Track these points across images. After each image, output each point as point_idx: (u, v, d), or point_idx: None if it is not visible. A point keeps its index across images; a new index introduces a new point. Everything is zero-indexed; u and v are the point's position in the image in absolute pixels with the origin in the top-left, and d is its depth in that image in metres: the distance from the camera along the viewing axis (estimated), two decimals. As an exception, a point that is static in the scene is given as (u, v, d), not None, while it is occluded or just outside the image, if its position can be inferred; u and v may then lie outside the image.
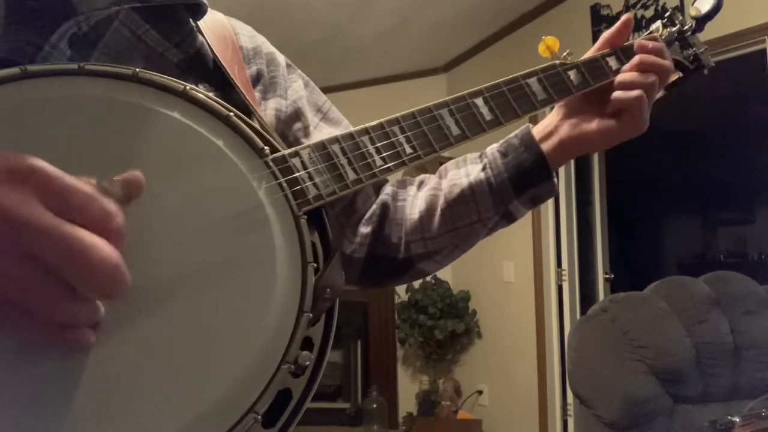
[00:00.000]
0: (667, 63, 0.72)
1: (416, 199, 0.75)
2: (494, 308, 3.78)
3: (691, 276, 2.23)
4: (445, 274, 3.95)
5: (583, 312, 2.93)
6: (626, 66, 0.72)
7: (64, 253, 0.35)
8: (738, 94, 3.36)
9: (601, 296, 3.46)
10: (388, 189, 0.77)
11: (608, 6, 3.15)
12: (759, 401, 1.45)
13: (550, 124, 0.72)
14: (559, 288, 3.43)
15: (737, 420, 1.41)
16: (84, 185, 0.37)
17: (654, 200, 5.56)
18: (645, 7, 2.96)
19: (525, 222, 3.49)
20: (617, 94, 0.70)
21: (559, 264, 3.45)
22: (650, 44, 0.73)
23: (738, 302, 2.10)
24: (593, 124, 0.70)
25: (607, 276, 3.55)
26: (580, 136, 0.70)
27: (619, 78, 0.71)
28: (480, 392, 3.82)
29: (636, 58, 0.71)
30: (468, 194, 0.71)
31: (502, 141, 0.73)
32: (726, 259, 5.32)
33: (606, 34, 0.75)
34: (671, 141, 4.58)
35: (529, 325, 3.49)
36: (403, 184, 0.78)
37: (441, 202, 0.72)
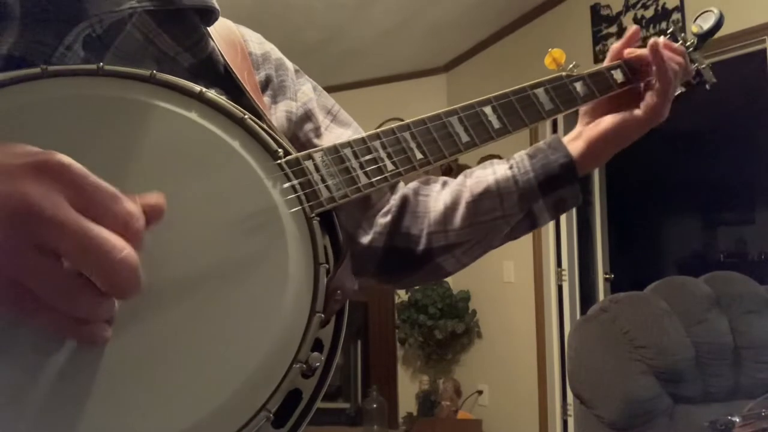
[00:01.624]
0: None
1: (440, 194, 0.76)
2: (494, 308, 3.78)
3: (691, 276, 2.23)
4: (445, 274, 3.95)
5: (583, 312, 2.93)
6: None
7: (84, 250, 0.35)
8: (738, 94, 3.36)
9: (601, 296, 3.46)
10: (410, 184, 0.78)
11: (608, 6, 3.15)
12: (759, 401, 1.45)
13: (575, 132, 0.75)
14: (559, 288, 3.43)
15: (737, 420, 1.41)
16: (108, 185, 0.37)
17: (654, 200, 5.56)
18: (645, 7, 2.96)
19: (525, 222, 3.49)
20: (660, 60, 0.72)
21: (559, 264, 3.45)
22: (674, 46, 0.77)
23: (738, 302, 2.11)
24: (614, 119, 0.73)
25: (607, 276, 3.55)
26: (602, 133, 0.73)
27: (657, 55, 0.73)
28: (480, 392, 3.82)
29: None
30: (494, 189, 0.72)
31: (531, 146, 0.75)
32: (726, 259, 5.32)
33: (615, 46, 0.78)
34: (671, 141, 4.58)
35: (529, 325, 3.49)
36: (427, 181, 0.79)
37: (466, 195, 0.73)
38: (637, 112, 0.73)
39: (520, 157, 0.74)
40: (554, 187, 0.72)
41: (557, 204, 0.73)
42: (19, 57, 0.50)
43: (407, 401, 4.01)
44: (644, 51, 0.75)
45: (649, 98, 0.72)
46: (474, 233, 0.73)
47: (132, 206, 0.38)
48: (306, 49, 3.52)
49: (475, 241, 0.74)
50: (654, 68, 0.73)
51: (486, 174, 0.74)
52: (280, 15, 3.20)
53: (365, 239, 0.74)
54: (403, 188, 0.78)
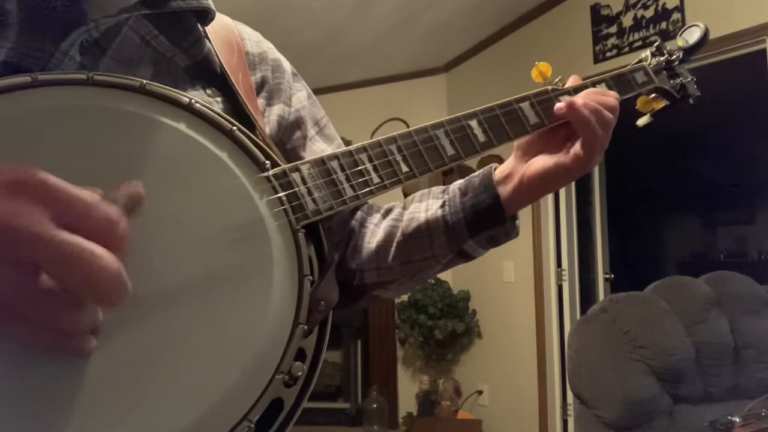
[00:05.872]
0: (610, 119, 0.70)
1: (378, 228, 0.76)
2: (494, 308, 3.79)
3: (691, 276, 2.23)
4: (445, 274, 3.94)
5: (583, 312, 2.93)
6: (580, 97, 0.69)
7: (63, 262, 0.35)
8: (738, 94, 3.36)
9: (601, 296, 3.46)
10: (357, 215, 0.78)
11: (608, 6, 3.15)
12: (759, 401, 1.46)
13: (507, 168, 0.72)
14: (559, 288, 3.43)
15: (737, 420, 1.42)
16: (86, 193, 0.37)
17: (654, 200, 5.56)
18: (645, 7, 2.96)
19: (525, 222, 3.49)
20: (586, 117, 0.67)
21: (559, 264, 3.45)
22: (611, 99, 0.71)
23: (738, 302, 2.10)
24: (545, 164, 0.69)
25: (607, 276, 3.55)
26: (532, 177, 0.69)
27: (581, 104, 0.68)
28: (480, 392, 3.82)
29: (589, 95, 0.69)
30: (424, 230, 0.72)
31: (466, 178, 0.74)
32: (726, 259, 5.33)
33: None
34: (671, 141, 4.58)
35: (529, 325, 3.49)
36: (370, 211, 0.79)
37: (398, 234, 0.73)
38: (565, 160, 0.68)
39: (453, 192, 0.73)
40: (484, 226, 0.70)
41: (491, 240, 0.72)
42: (15, 64, 0.50)
43: (407, 401, 4.01)
44: (561, 106, 0.69)
45: (578, 149, 0.68)
46: (405, 272, 0.73)
47: (112, 210, 0.38)
48: (305, 49, 3.52)
49: (407, 277, 0.74)
50: (576, 125, 0.68)
51: (420, 210, 0.73)
52: (279, 15, 3.20)
53: None
54: (354, 219, 0.77)
